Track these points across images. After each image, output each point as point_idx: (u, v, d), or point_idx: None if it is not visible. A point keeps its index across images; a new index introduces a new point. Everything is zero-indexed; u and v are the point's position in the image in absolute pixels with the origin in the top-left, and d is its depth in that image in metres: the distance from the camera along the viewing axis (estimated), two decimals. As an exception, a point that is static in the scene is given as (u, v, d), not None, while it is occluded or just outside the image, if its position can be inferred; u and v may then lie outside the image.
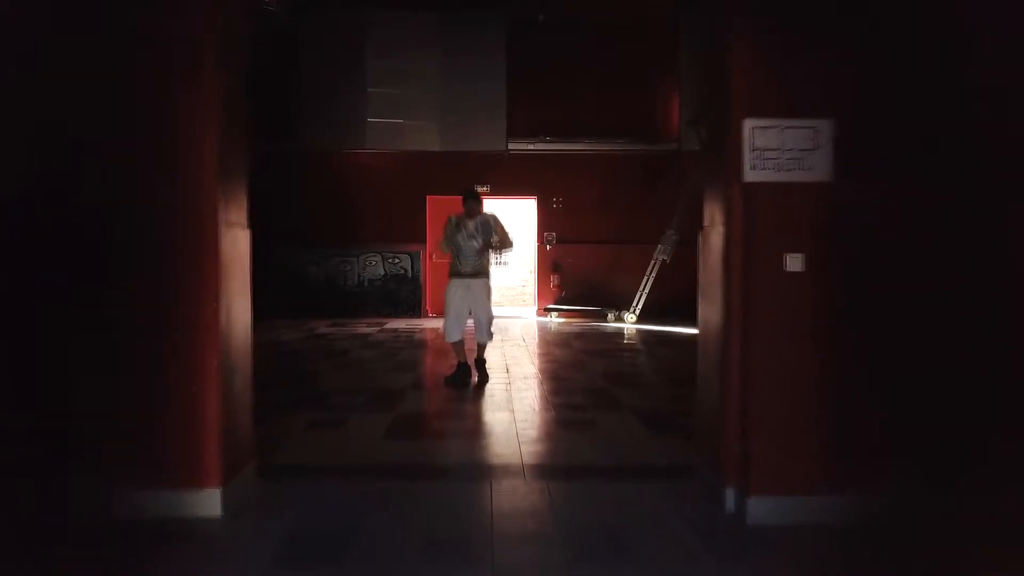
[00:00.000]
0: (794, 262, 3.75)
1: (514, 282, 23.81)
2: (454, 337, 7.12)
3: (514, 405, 6.36)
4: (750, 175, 3.81)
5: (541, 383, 7.44)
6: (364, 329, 11.86)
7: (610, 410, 6.24)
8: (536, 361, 8.82)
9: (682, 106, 13.52)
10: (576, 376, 7.78)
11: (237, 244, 4.28)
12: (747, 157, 3.81)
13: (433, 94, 13.47)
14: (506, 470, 4.63)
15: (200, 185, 3.82)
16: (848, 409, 3.77)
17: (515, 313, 14.72)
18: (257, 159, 14.29)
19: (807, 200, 3.79)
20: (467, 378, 7.19)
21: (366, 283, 13.87)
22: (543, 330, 12.03)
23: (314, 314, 13.40)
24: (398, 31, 13.31)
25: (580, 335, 11.16)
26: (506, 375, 7.81)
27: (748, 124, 3.82)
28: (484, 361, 7.47)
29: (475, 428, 5.74)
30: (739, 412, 3.86)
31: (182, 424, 3.79)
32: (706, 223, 4.36)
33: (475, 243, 7.03)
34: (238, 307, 4.30)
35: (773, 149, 3.82)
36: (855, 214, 3.75)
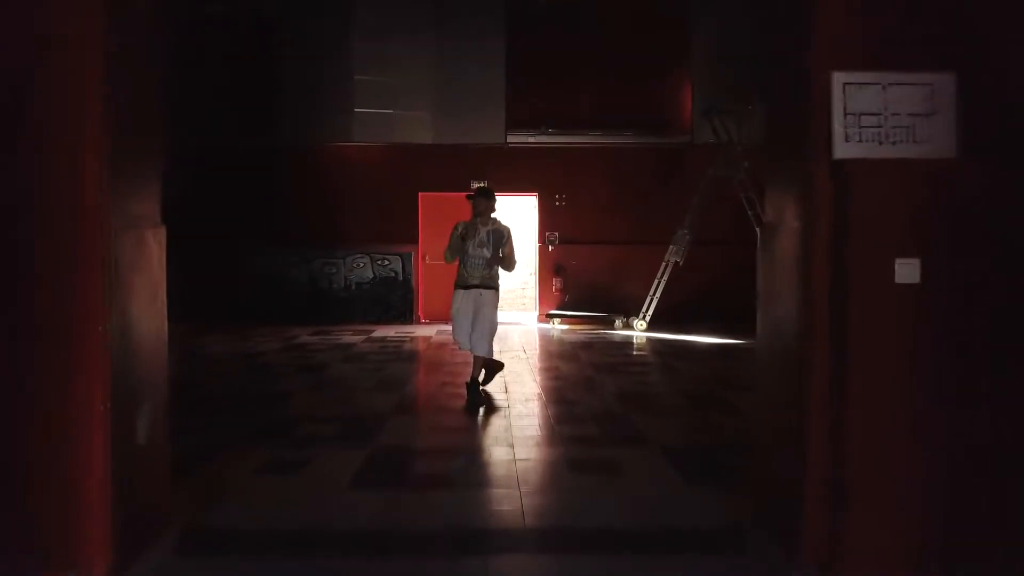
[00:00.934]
0: (907, 271, 2.70)
1: (513, 284, 22.84)
2: (461, 347, 6.73)
3: (514, 436, 5.32)
4: (842, 149, 2.76)
5: (545, 406, 6.39)
6: (349, 338, 10.81)
7: (631, 445, 5.19)
8: (538, 378, 7.77)
9: (695, 95, 12.47)
10: (586, 398, 6.72)
11: (143, 246, 3.22)
12: (838, 125, 2.76)
13: (425, 82, 12.41)
14: (505, 537, 3.59)
15: (76, 173, 2.77)
16: (973, 466, 2.74)
17: (514, 319, 13.66)
18: (233, 155, 13.31)
19: (921, 184, 2.75)
20: (476, 397, 6.44)
21: (353, 287, 12.81)
22: (545, 339, 10.98)
23: (297, 320, 12.34)
24: (387, 12, 12.24)
25: (586, 345, 10.11)
26: (504, 395, 6.76)
27: (838, 79, 2.77)
28: (478, 383, 6.52)
29: (465, 472, 4.68)
30: (825, 469, 2.83)
31: (57, 487, 2.75)
32: (769, 218, 3.31)
33: (485, 252, 6.38)
34: (145, 326, 3.24)
35: (873, 114, 2.77)
36: (987, 204, 2.71)
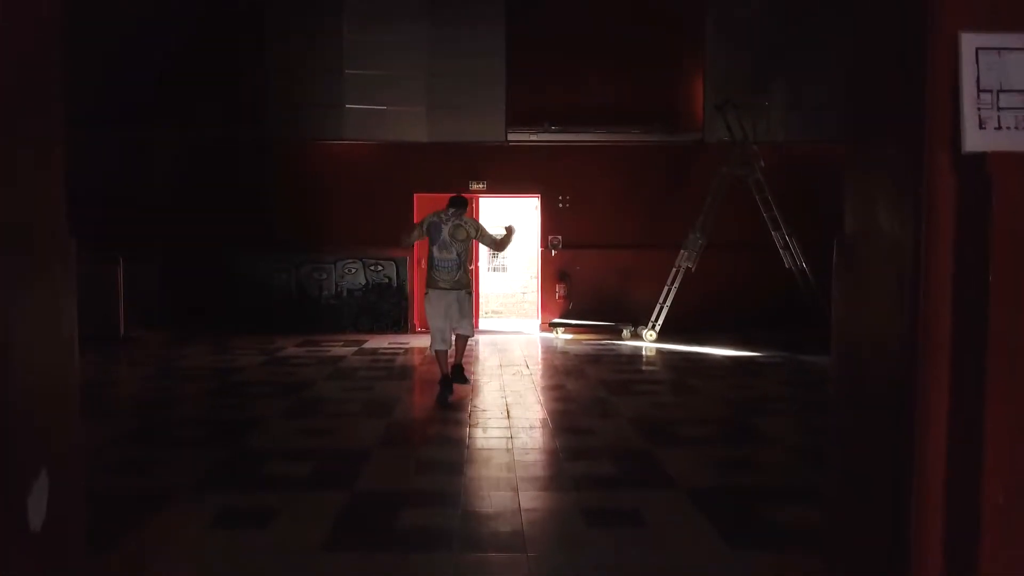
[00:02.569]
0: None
1: (512, 289, 21.97)
2: (442, 346, 6.69)
3: (519, 476, 4.58)
4: (975, 139, 2.01)
5: (553, 436, 5.64)
6: (338, 350, 10.06)
7: (654, 487, 4.45)
8: (543, 399, 7.02)
9: (707, 89, 11.73)
10: (598, 425, 5.97)
11: (33, 257, 2.42)
12: (968, 106, 2.02)
13: (420, 75, 11.66)
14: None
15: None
16: None
17: (515, 327, 12.92)
18: (216, 153, 12.57)
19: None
20: (446, 390, 6.67)
21: (344, 294, 12.06)
22: (548, 350, 10.24)
23: (283, 330, 11.60)
24: (378, 0, 11.52)
25: (594, 359, 9.37)
26: (506, 421, 6.02)
27: (969, 42, 2.03)
28: (461, 367, 6.90)
29: (462, 527, 3.93)
30: (937, 532, 2.08)
31: None
32: (852, 227, 2.57)
33: (450, 254, 6.54)
34: (37, 361, 2.46)
35: (1020, 91, 2.03)
36: None
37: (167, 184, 11.84)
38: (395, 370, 8.55)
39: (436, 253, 6.56)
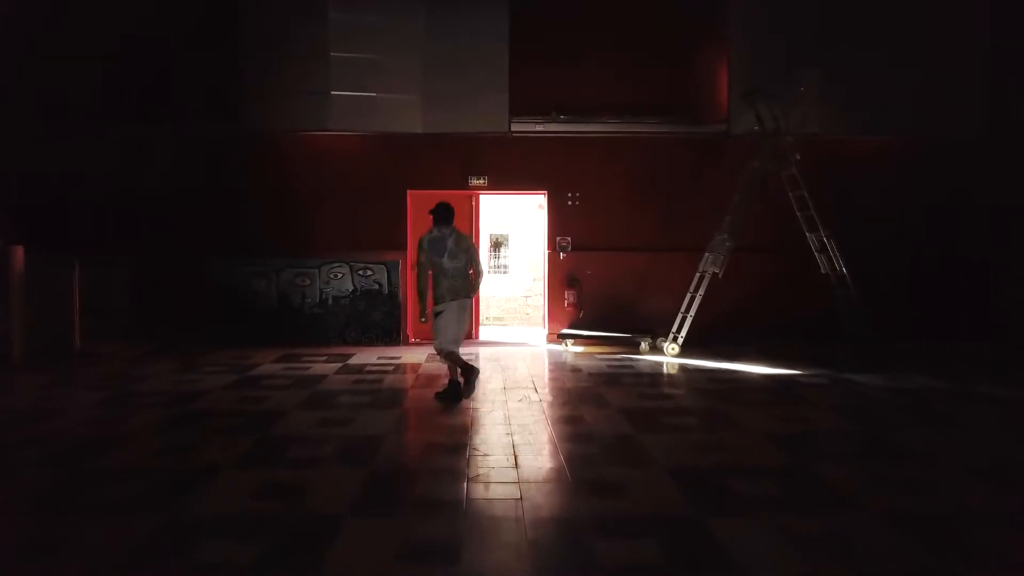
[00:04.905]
0: None
1: (514, 293, 20.64)
2: (455, 347, 6.78)
3: (534, 570, 3.40)
4: None
5: (574, 496, 4.45)
6: (320, 367, 8.88)
7: (720, 588, 3.28)
8: (556, 435, 5.83)
9: (733, 74, 10.54)
10: (630, 479, 4.76)
11: None
12: None
13: (415, 60, 10.48)
14: None
15: None
16: None
17: (519, 338, 11.73)
18: (188, 147, 11.31)
19: None
20: (459, 394, 6.91)
21: (330, 301, 10.87)
22: (558, 367, 9.05)
23: (262, 342, 10.45)
24: (367, -27, 10.35)
25: (611, 378, 8.19)
26: (514, 472, 4.84)
27: None
28: (458, 384, 6.99)
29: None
30: None
31: None
32: None
33: (459, 262, 6.73)
34: None
35: None
36: None
37: (136, 183, 10.66)
38: (382, 394, 7.36)
39: (447, 263, 6.65)
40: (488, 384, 7.86)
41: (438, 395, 7.01)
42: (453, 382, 6.94)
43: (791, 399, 7.14)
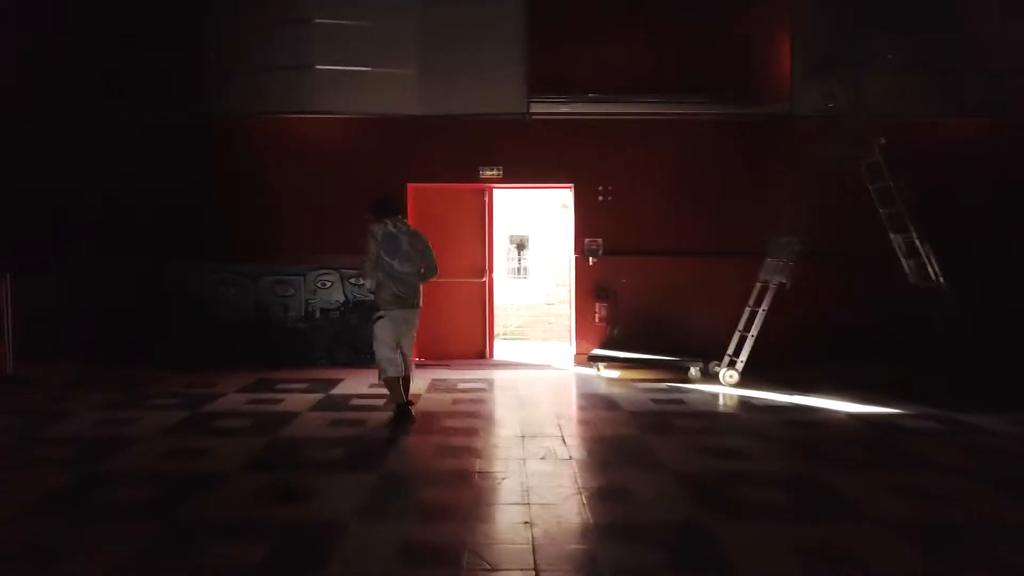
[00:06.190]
0: None
1: (535, 300, 18.74)
2: (396, 372, 6.10)
3: None
4: None
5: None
6: (295, 399, 7.19)
7: None
8: (597, 525, 4.06)
9: (796, 46, 8.73)
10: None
11: None
12: None
13: (411, 27, 8.77)
14: None
15: None
16: None
17: (541, 358, 9.94)
18: (141, 132, 8.62)
19: None
20: (409, 418, 6.14)
21: (317, 314, 9.19)
22: (590, 401, 7.27)
23: (235, 362, 8.80)
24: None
25: (658, 420, 6.42)
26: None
27: None
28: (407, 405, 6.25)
29: None
30: None
31: None
32: None
33: (412, 267, 6.07)
34: None
35: None
36: None
37: (87, 178, 9.04)
38: (363, 444, 5.63)
39: (398, 266, 6.01)
40: (501, 427, 6.12)
41: (392, 428, 6.06)
42: (401, 406, 6.19)
43: (904, 457, 5.32)
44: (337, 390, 7.70)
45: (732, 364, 7.92)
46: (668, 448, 5.50)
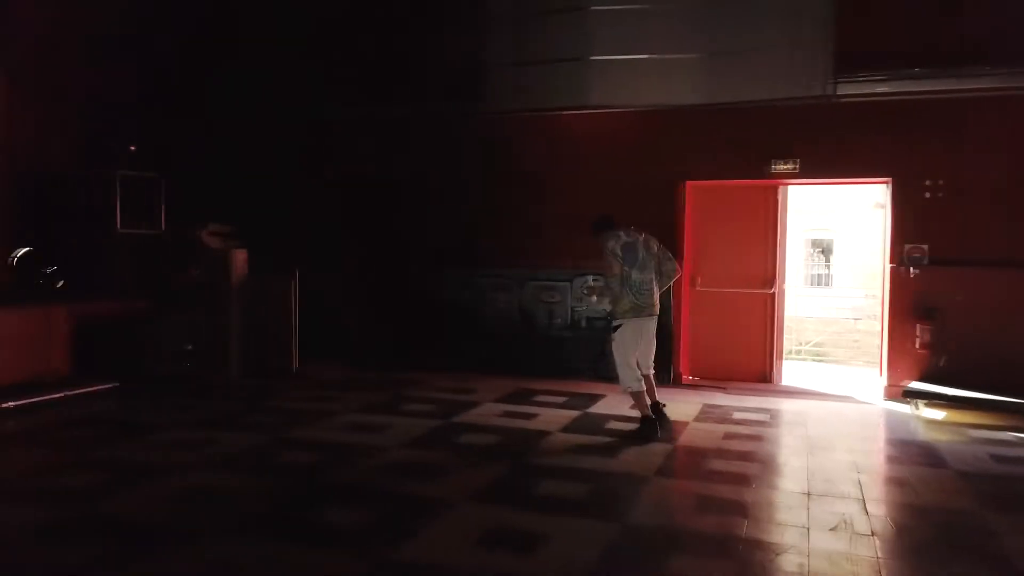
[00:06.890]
0: None
1: (839, 313, 16.57)
2: (640, 385, 5.89)
3: None
4: None
5: None
6: (549, 414, 6.64)
7: None
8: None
9: None
10: None
11: None
12: None
13: (696, 7, 7.81)
14: None
15: None
16: None
17: (841, 386, 8.37)
18: (421, 133, 8.44)
19: None
20: (655, 431, 5.82)
21: (583, 323, 8.63)
22: (903, 453, 5.74)
23: (497, 368, 8.57)
24: None
25: (1007, 488, 4.80)
26: None
27: None
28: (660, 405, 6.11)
29: None
30: None
31: None
32: None
33: (649, 274, 5.91)
34: None
35: None
36: None
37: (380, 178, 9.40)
38: (611, 481, 4.84)
39: (637, 275, 5.84)
40: (783, 479, 4.97)
41: (637, 432, 5.91)
42: (647, 419, 5.89)
43: None
44: (596, 408, 7.03)
45: (1120, 417, 5.84)
46: (1020, 534, 3.97)
